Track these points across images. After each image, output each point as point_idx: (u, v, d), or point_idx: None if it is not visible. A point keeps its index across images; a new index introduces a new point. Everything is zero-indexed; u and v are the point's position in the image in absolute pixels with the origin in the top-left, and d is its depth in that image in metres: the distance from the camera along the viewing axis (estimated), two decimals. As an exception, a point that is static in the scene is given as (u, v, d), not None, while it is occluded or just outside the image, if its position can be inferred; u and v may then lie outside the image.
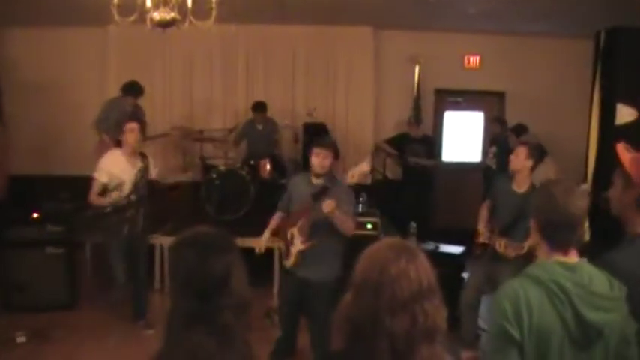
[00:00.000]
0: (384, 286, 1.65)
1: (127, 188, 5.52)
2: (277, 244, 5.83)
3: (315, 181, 4.65)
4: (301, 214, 4.61)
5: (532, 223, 2.29)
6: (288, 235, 4.69)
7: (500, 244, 4.94)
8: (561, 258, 2.19)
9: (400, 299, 1.64)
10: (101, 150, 6.21)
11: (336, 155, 4.86)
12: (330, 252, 4.61)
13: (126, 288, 5.90)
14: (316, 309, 4.67)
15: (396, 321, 1.62)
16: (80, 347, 5.45)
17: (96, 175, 5.52)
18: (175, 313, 1.73)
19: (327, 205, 4.29)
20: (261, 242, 4.92)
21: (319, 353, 4.79)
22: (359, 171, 4.35)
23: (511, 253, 4.83)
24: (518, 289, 2.15)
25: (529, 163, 5.04)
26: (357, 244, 2.40)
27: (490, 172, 8.02)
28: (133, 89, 7.49)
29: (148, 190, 5.69)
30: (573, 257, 2.21)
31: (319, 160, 4.57)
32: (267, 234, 4.93)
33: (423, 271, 1.69)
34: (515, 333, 2.09)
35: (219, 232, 1.89)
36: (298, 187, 4.83)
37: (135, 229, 5.61)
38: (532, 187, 4.96)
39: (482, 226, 5.27)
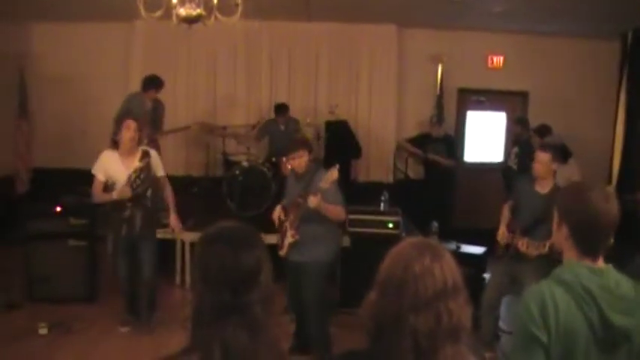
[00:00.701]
0: (408, 284, 1.64)
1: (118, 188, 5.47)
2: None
3: (303, 177, 4.99)
4: (291, 210, 4.97)
5: (563, 226, 2.22)
6: (284, 228, 5.04)
7: (523, 244, 4.92)
8: (589, 263, 2.16)
9: (424, 297, 1.62)
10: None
11: (310, 149, 5.10)
12: (315, 237, 4.86)
13: (133, 283, 5.83)
14: (305, 290, 4.95)
15: (420, 319, 1.61)
16: (99, 340, 5.51)
17: (93, 171, 5.51)
18: (204, 307, 1.73)
19: (312, 201, 4.63)
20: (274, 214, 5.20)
21: (318, 338, 5.02)
22: (331, 178, 4.63)
23: (533, 252, 4.81)
24: (544, 291, 2.12)
25: (555, 167, 5.02)
26: (378, 242, 2.40)
27: (510, 173, 7.94)
28: (152, 83, 7.46)
29: (151, 188, 5.63)
30: (600, 263, 2.17)
31: (296, 163, 4.95)
32: (278, 207, 5.21)
33: (448, 270, 1.67)
34: (543, 336, 2.06)
35: (247, 227, 1.88)
36: (289, 182, 5.22)
37: (133, 230, 5.54)
38: (556, 187, 4.92)
39: (504, 227, 5.25)
